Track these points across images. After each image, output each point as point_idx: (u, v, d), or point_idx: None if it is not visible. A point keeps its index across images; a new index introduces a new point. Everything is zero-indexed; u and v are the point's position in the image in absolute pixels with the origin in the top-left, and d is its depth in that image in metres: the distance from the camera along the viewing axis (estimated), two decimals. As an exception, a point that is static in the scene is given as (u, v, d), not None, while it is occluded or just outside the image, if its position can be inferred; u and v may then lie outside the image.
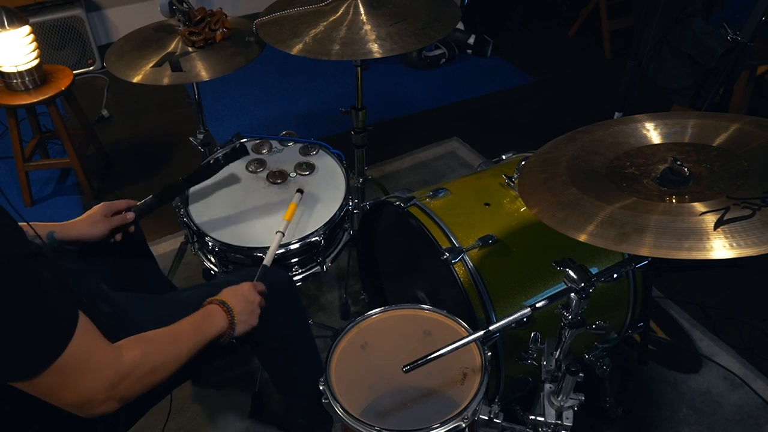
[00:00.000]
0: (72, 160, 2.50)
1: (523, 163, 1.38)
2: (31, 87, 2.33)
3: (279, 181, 1.71)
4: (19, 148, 2.44)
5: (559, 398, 1.17)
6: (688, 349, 1.93)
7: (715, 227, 0.88)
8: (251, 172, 1.75)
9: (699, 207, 0.93)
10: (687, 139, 1.13)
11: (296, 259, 1.59)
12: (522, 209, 1.53)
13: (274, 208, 1.63)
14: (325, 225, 1.58)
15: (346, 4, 1.67)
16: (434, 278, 1.68)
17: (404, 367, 1.13)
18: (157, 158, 2.86)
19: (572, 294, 1.06)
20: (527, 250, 1.48)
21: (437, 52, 3.50)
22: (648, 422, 1.74)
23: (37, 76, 2.34)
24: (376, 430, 1.16)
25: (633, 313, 1.61)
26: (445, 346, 1.13)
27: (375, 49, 1.56)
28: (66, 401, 0.91)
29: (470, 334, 1.15)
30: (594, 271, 1.16)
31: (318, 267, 1.62)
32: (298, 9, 1.71)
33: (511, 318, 1.15)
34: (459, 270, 1.41)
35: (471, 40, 3.59)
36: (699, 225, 0.90)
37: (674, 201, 0.98)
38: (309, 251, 1.59)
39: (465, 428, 1.17)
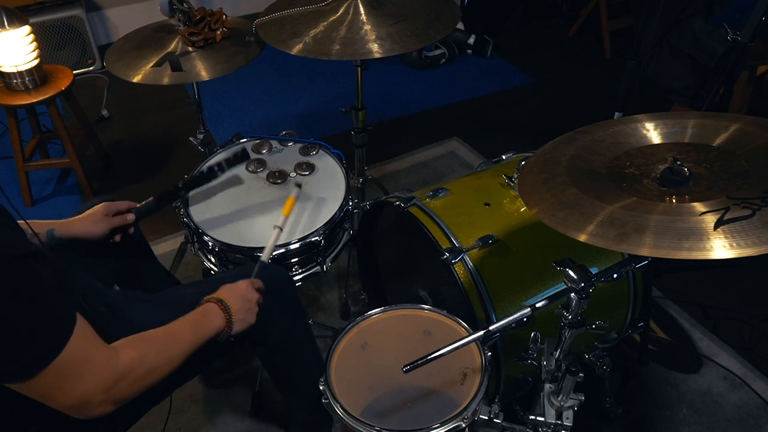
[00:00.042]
0: (72, 160, 2.50)
1: (523, 163, 1.38)
2: (31, 87, 2.33)
3: (279, 181, 1.71)
4: (19, 148, 2.44)
5: (559, 398, 1.17)
6: (688, 349, 1.93)
7: (715, 227, 0.88)
8: (251, 172, 1.75)
9: (699, 207, 0.93)
10: (687, 139, 1.13)
11: (296, 259, 1.59)
12: (522, 209, 1.53)
13: (274, 208, 1.63)
14: (325, 225, 1.58)
15: (346, 4, 1.67)
16: (434, 278, 1.68)
17: (404, 367, 1.13)
18: (157, 158, 2.86)
19: (572, 294, 1.06)
20: (527, 250, 1.48)
21: (437, 52, 3.50)
22: (648, 422, 1.74)
23: (37, 76, 2.34)
24: (376, 430, 1.16)
25: (633, 313, 1.61)
26: (445, 346, 1.13)
27: (375, 49, 1.56)
28: (62, 403, 0.90)
29: (470, 334, 1.15)
30: (594, 271, 1.16)
31: (318, 267, 1.62)
32: (298, 9, 1.71)
33: (511, 318, 1.14)
34: (459, 270, 1.41)
35: (471, 40, 3.59)
36: (699, 225, 0.90)
37: (674, 201, 0.98)
38: (309, 251, 1.59)
39: (465, 428, 1.17)
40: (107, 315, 1.14)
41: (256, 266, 1.35)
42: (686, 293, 2.10)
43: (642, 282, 1.57)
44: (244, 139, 1.87)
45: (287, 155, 1.82)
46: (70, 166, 2.58)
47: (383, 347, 1.41)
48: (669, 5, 1.97)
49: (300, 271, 1.61)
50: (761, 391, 1.81)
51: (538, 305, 1.10)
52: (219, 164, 1.59)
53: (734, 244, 0.85)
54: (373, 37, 1.58)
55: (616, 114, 1.95)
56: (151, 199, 1.49)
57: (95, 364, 0.91)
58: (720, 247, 0.85)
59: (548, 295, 1.13)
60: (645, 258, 1.23)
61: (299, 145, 1.84)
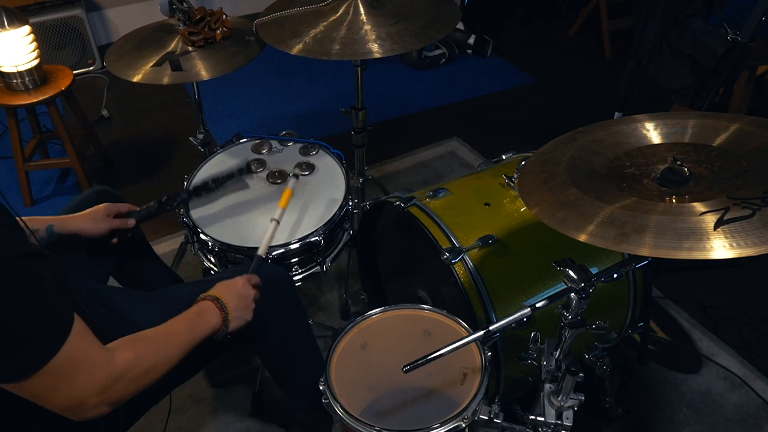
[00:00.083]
0: (72, 160, 2.50)
1: (523, 163, 1.38)
2: (31, 87, 2.33)
3: (279, 181, 1.71)
4: (19, 148, 2.44)
5: (559, 398, 1.17)
6: (688, 349, 1.93)
7: (715, 227, 0.88)
8: (251, 172, 1.75)
9: (699, 207, 0.93)
10: (687, 139, 1.13)
11: (296, 259, 1.59)
12: (522, 209, 1.53)
13: (274, 208, 1.63)
14: (325, 225, 1.58)
15: (346, 4, 1.67)
16: (434, 278, 1.68)
17: (404, 367, 1.13)
18: (157, 158, 2.86)
19: (572, 294, 1.06)
20: (527, 250, 1.48)
21: (437, 52, 3.50)
22: (648, 422, 1.74)
23: (37, 76, 2.34)
24: (376, 430, 1.16)
25: (633, 313, 1.61)
26: (445, 346, 1.13)
27: (375, 49, 1.56)
28: (57, 404, 0.90)
29: (470, 334, 1.15)
30: (594, 271, 1.16)
31: (318, 267, 1.62)
32: (298, 9, 1.71)
33: (511, 318, 1.14)
34: (459, 270, 1.41)
35: (471, 40, 3.59)
36: (699, 225, 0.90)
37: (674, 201, 0.98)
38: (309, 251, 1.59)
39: (465, 428, 1.17)
40: (106, 315, 1.14)
41: (253, 261, 1.35)
42: (686, 293, 2.10)
43: (642, 282, 1.57)
44: (244, 139, 1.87)
45: (287, 155, 1.82)
46: (70, 166, 2.58)
47: (383, 347, 1.41)
48: (669, 5, 1.97)
49: (300, 271, 1.61)
50: (761, 391, 1.81)
51: (538, 305, 1.10)
52: (223, 176, 1.60)
53: (734, 244, 0.85)
54: (373, 37, 1.58)
55: (616, 114, 1.95)
56: (152, 203, 1.49)
57: (92, 364, 0.91)
58: (720, 247, 0.85)
59: (548, 295, 1.13)
60: (645, 258, 1.23)
61: (299, 145, 1.84)
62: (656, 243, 0.89)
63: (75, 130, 2.61)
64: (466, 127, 3.03)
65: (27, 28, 2.27)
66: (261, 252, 1.41)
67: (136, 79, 1.65)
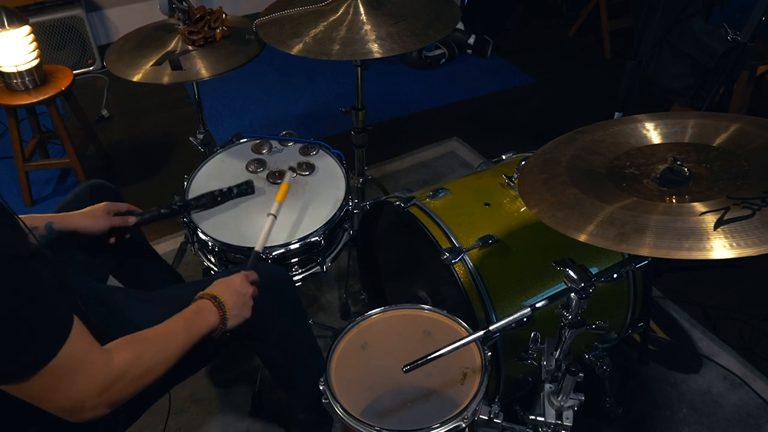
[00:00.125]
0: (72, 160, 2.50)
1: (523, 163, 1.38)
2: (31, 87, 2.33)
3: (279, 181, 1.71)
4: (19, 148, 2.44)
5: (559, 398, 1.17)
6: (688, 349, 1.93)
7: (715, 227, 0.88)
8: (251, 172, 1.75)
9: (699, 207, 0.93)
10: (687, 139, 1.13)
11: (296, 259, 1.59)
12: (522, 209, 1.53)
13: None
14: (325, 225, 1.58)
15: (346, 4, 1.67)
16: (434, 278, 1.68)
17: (404, 367, 1.13)
18: (157, 158, 2.86)
19: (572, 294, 1.06)
20: (527, 250, 1.48)
21: (437, 52, 3.50)
22: (648, 422, 1.74)
23: (37, 76, 2.34)
24: (376, 430, 1.16)
25: (633, 313, 1.61)
26: (445, 346, 1.13)
27: (375, 49, 1.56)
28: (56, 405, 0.90)
29: (470, 334, 1.15)
30: (594, 271, 1.16)
31: (318, 267, 1.62)
32: (298, 9, 1.71)
33: (511, 318, 1.14)
34: (459, 270, 1.41)
35: (471, 40, 3.59)
36: (699, 225, 0.90)
37: (674, 201, 0.98)
38: (309, 251, 1.59)
39: (465, 428, 1.17)
40: (106, 315, 1.14)
41: (250, 257, 1.35)
42: (686, 293, 2.10)
43: (642, 282, 1.57)
44: (244, 139, 1.87)
45: (287, 155, 1.82)
46: (70, 166, 2.58)
47: (383, 347, 1.41)
48: (669, 5, 1.97)
49: (300, 271, 1.61)
50: (761, 391, 1.81)
51: (538, 305, 1.10)
52: (230, 190, 1.61)
53: (734, 244, 0.85)
54: (373, 37, 1.58)
55: (616, 114, 1.95)
56: (154, 209, 1.50)
57: (91, 365, 0.91)
58: (720, 247, 0.85)
59: (548, 295, 1.13)
60: (645, 258, 1.23)
61: (299, 145, 1.84)
62: (656, 243, 0.89)
63: (75, 130, 2.61)
64: (466, 127, 3.03)
65: (27, 28, 2.27)
66: (258, 247, 1.40)
67: (136, 78, 1.65)
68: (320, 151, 1.82)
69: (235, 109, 3.19)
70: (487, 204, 1.55)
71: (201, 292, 1.19)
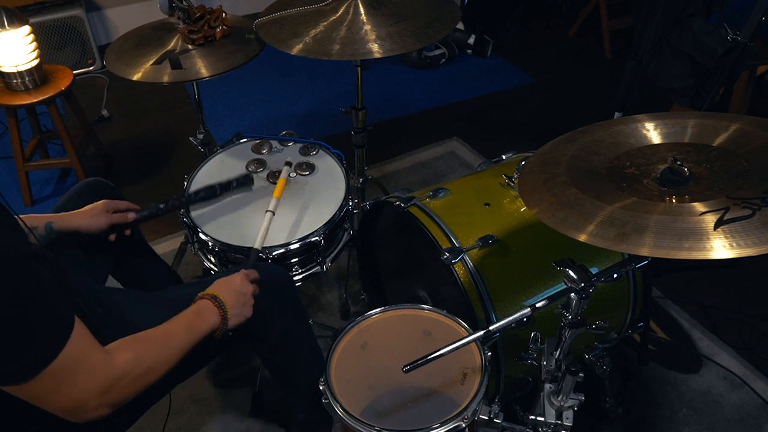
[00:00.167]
0: (72, 160, 2.50)
1: (523, 163, 1.38)
2: (31, 87, 2.33)
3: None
4: (19, 148, 2.44)
5: (559, 398, 1.17)
6: (688, 349, 1.93)
7: (715, 227, 0.88)
8: (251, 172, 1.75)
9: (699, 207, 0.93)
10: (687, 139, 1.13)
11: (296, 259, 1.59)
12: (522, 209, 1.53)
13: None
14: (325, 225, 1.58)
15: (346, 4, 1.67)
16: (434, 278, 1.68)
17: (404, 367, 1.13)
18: (157, 158, 2.86)
19: (572, 294, 1.06)
20: (527, 250, 1.48)
21: (437, 52, 3.50)
22: (648, 422, 1.74)
23: (37, 76, 2.34)
24: (376, 430, 1.16)
25: (633, 313, 1.61)
26: (445, 346, 1.13)
27: (375, 49, 1.56)
28: (57, 406, 0.90)
29: (470, 334, 1.15)
30: (594, 271, 1.16)
31: (318, 267, 1.62)
32: (298, 9, 1.71)
33: (511, 318, 1.14)
34: (459, 270, 1.41)
35: (471, 40, 3.59)
36: (699, 225, 0.90)
37: (674, 201, 0.98)
38: (309, 251, 1.59)
39: (465, 428, 1.17)
40: (105, 316, 1.13)
41: (250, 255, 1.34)
42: (686, 293, 2.10)
43: (642, 282, 1.57)
44: (244, 139, 1.87)
45: (287, 155, 1.82)
46: (70, 166, 2.58)
47: (383, 347, 1.41)
48: (669, 5, 1.97)
49: (300, 271, 1.61)
50: (761, 391, 1.81)
51: (538, 305, 1.10)
52: (228, 183, 1.61)
53: (734, 244, 0.85)
54: (373, 37, 1.58)
55: (616, 114, 1.95)
56: (153, 205, 1.49)
57: (92, 366, 0.90)
58: (720, 247, 0.85)
59: (548, 295, 1.13)
60: (645, 258, 1.23)
61: (299, 145, 1.84)
62: (656, 243, 0.89)
63: (75, 130, 2.61)
64: (466, 127, 3.03)
65: (27, 28, 2.27)
66: (257, 245, 1.40)
67: (136, 77, 1.65)
68: (320, 151, 1.82)
69: (235, 109, 3.19)
70: (487, 204, 1.55)
71: (201, 293, 1.19)
